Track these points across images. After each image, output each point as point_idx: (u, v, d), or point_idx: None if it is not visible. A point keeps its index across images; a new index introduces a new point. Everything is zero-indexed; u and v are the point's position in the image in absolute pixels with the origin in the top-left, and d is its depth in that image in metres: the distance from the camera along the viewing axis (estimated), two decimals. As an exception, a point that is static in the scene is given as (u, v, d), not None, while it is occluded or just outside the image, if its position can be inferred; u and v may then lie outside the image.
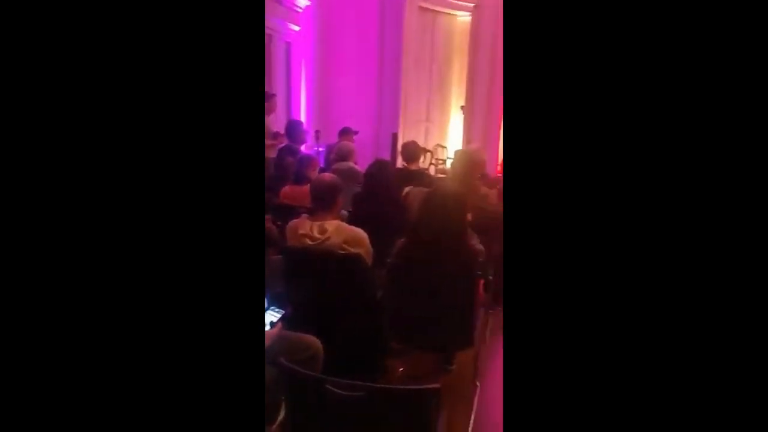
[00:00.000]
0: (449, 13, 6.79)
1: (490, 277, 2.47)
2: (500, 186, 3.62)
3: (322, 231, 2.01)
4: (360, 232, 2.06)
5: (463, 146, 6.32)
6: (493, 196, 2.84)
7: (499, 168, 6.50)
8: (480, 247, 2.04)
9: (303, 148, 4.68)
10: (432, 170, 6.13)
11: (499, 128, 7.12)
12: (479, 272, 2.07)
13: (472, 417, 2.13)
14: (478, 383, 2.33)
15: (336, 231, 2.01)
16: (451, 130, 7.22)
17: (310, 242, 2.00)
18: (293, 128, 4.27)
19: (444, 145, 7.02)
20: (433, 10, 6.59)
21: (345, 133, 4.66)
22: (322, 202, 2.07)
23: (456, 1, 6.64)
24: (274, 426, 1.62)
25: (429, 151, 6.41)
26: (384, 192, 2.72)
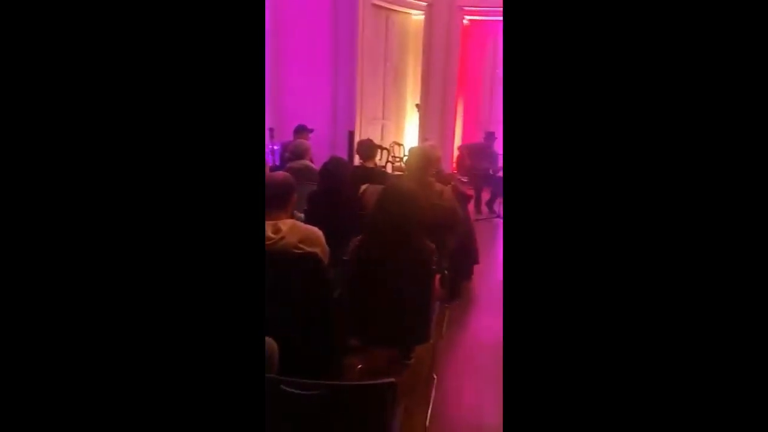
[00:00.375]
0: (403, 11, 6.83)
1: (446, 272, 2.52)
2: (455, 182, 3.68)
3: (276, 230, 1.98)
4: (315, 231, 2.05)
5: (418, 143, 6.39)
6: (447, 193, 2.88)
7: (455, 164, 6.61)
8: (431, 245, 2.07)
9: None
10: (389, 168, 6.16)
11: (454, 125, 7.25)
12: (435, 267, 2.10)
13: (430, 408, 2.17)
14: (435, 376, 2.38)
15: (291, 230, 1.99)
16: (407, 127, 7.28)
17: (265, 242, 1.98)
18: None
19: (400, 142, 7.08)
20: (386, 8, 6.61)
21: (300, 131, 4.62)
22: (276, 200, 2.04)
23: None
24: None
25: (385, 148, 6.44)
26: (341, 188, 2.71)
